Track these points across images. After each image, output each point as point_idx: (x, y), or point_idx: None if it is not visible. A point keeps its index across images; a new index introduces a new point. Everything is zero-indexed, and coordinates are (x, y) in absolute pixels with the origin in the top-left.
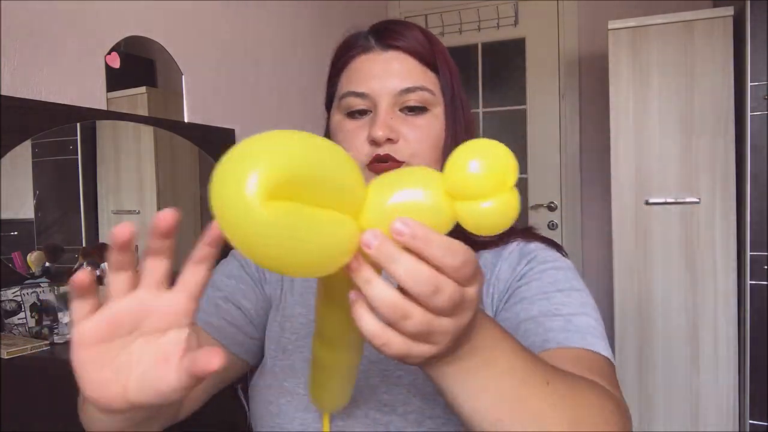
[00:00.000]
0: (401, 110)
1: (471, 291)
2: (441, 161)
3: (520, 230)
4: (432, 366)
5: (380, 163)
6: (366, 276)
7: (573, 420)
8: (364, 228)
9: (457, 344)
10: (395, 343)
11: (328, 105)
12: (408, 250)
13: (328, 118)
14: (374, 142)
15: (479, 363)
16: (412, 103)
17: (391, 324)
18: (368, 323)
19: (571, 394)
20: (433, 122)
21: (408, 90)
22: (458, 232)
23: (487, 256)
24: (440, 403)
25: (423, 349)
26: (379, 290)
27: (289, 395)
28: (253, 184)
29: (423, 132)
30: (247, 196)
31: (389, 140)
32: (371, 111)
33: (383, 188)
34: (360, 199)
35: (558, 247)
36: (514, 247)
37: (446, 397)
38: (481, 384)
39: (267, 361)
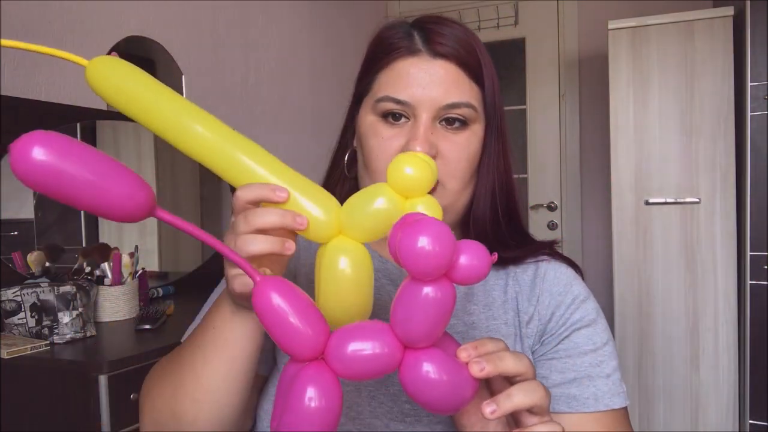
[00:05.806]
0: (440, 122)
1: None
2: (474, 182)
3: (543, 244)
4: None
5: None
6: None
7: None
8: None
9: None
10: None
11: (358, 98)
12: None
13: (353, 111)
14: None
15: None
16: (453, 116)
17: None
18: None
19: None
20: (472, 140)
21: (453, 105)
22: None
23: (524, 276)
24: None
25: None
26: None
27: None
28: None
29: (462, 150)
30: None
31: None
32: (408, 118)
33: (353, 207)
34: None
35: (578, 269)
36: (549, 271)
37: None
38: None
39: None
